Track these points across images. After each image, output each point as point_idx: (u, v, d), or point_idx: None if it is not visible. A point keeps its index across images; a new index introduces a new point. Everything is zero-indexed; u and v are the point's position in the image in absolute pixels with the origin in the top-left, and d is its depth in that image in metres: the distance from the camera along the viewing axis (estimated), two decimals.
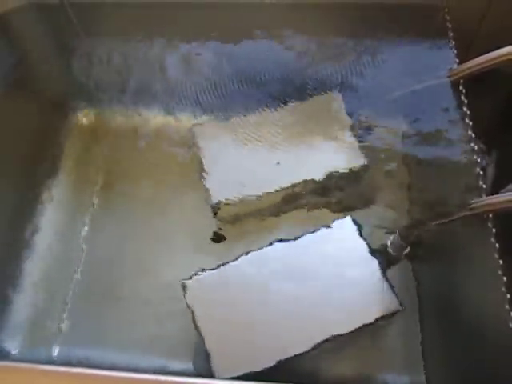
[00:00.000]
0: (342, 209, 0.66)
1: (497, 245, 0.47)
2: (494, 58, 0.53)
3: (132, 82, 0.75)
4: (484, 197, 0.50)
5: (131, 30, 0.69)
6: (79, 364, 0.59)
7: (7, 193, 0.67)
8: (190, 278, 0.58)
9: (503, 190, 0.50)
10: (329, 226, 0.61)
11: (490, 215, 0.49)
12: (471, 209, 0.48)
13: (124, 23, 0.69)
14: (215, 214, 0.66)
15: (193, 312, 0.56)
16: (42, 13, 0.68)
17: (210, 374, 0.52)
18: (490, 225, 0.49)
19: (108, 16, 0.68)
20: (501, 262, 0.47)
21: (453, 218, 0.50)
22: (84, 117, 0.78)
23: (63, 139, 0.75)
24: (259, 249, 0.59)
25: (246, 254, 0.59)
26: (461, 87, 0.58)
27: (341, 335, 0.54)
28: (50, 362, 0.60)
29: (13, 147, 0.68)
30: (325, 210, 0.67)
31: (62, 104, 0.77)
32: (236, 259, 0.59)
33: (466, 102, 0.57)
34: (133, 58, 0.73)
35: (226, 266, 0.59)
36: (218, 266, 0.59)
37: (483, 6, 0.63)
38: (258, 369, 0.53)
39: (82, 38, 0.70)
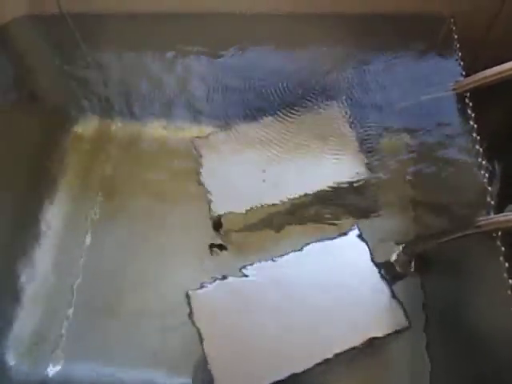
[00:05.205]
0: (346, 222, 0.65)
1: (506, 264, 0.46)
2: (503, 71, 0.52)
3: (133, 94, 0.75)
4: (492, 214, 0.49)
5: (132, 41, 0.69)
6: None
7: (7, 206, 0.66)
8: (193, 289, 0.57)
9: None
10: (334, 239, 0.60)
11: (499, 233, 0.48)
12: (479, 226, 0.47)
13: (125, 34, 0.68)
14: (216, 226, 0.66)
15: (195, 324, 0.55)
16: (41, 24, 0.68)
17: None
18: (498, 243, 0.47)
19: (109, 27, 0.68)
20: (510, 281, 0.46)
21: (459, 235, 0.49)
22: (84, 129, 0.77)
23: (63, 152, 0.75)
24: (263, 261, 0.59)
25: (250, 265, 0.59)
26: (467, 100, 0.57)
27: (347, 351, 0.53)
28: (50, 378, 0.59)
29: (12, 160, 0.68)
30: (328, 222, 0.65)
31: (62, 116, 0.76)
32: (239, 272, 0.58)
33: (472, 115, 0.56)
34: (134, 70, 0.73)
35: (230, 279, 0.58)
36: (222, 278, 0.58)
37: (490, 15, 0.62)
38: None
39: (83, 49, 0.70)
